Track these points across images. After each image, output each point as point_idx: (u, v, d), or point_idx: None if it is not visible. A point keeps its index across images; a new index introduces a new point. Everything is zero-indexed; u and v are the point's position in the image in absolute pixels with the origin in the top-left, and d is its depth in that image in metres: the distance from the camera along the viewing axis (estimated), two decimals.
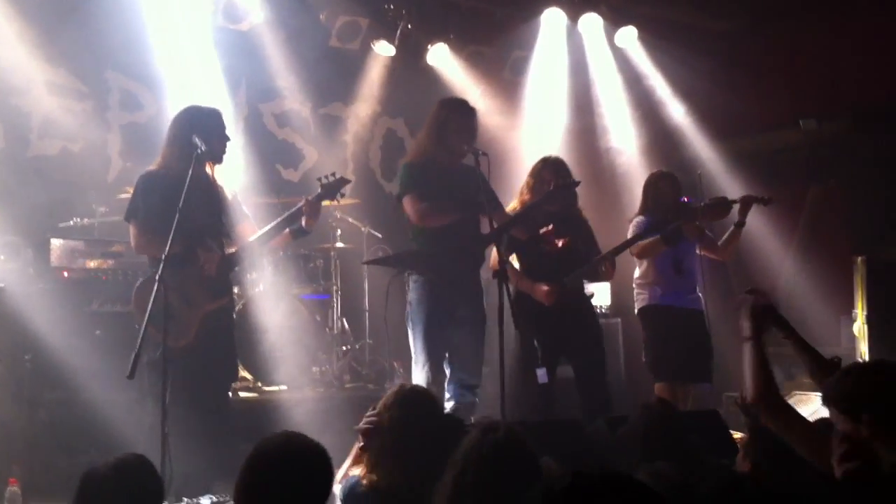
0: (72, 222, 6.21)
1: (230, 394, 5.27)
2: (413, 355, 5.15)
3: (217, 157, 4.78)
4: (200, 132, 4.59)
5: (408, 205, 5.14)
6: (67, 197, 6.59)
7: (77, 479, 2.81)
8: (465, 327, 5.13)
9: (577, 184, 5.36)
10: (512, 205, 5.55)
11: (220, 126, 4.81)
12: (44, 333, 5.15)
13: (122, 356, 4.23)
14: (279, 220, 4.81)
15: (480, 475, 2.68)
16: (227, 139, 4.82)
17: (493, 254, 5.35)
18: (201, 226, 4.61)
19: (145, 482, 2.85)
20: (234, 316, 5.88)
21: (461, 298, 5.14)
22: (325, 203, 7.09)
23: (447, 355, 5.14)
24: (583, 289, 5.75)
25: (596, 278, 5.90)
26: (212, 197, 4.75)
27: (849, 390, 2.49)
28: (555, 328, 5.37)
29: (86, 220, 6.32)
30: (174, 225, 4.19)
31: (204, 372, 4.55)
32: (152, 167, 4.79)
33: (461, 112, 5.24)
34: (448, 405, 5.06)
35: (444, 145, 5.15)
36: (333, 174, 4.98)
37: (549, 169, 5.58)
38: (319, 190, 4.89)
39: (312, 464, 2.56)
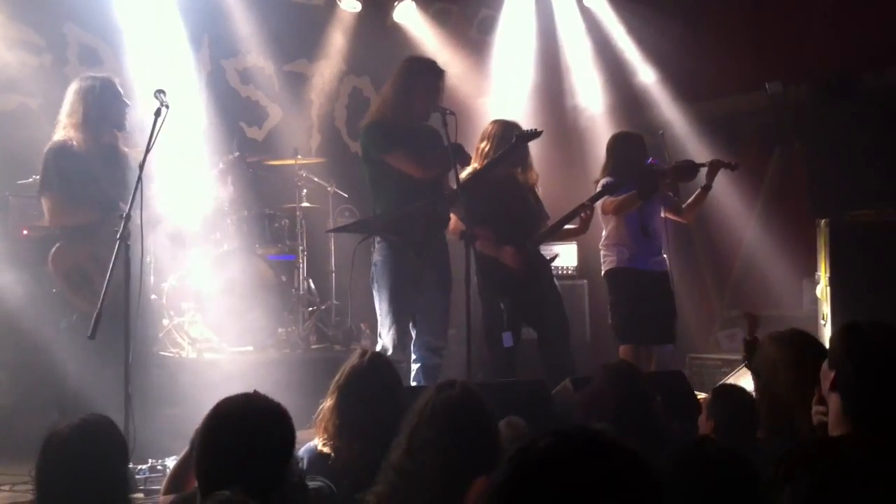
0: (31, 179, 6.07)
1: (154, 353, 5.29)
2: (378, 318, 5.12)
3: (119, 125, 4.87)
4: (98, 101, 4.75)
5: (399, 161, 5.02)
6: (26, 153, 6.43)
7: (40, 440, 2.76)
8: (431, 290, 5.11)
9: (540, 133, 5.22)
10: (468, 169, 5.52)
11: (117, 93, 4.88)
12: (5, 292, 5.06)
13: (81, 316, 4.20)
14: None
15: (435, 429, 2.70)
16: (127, 105, 4.89)
17: (452, 220, 5.36)
18: (112, 194, 4.66)
19: (110, 442, 2.82)
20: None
21: (426, 261, 5.10)
22: (289, 162, 7.11)
23: (414, 318, 5.12)
24: (540, 252, 5.75)
25: (564, 235, 5.91)
26: (120, 165, 4.81)
27: None
28: (518, 293, 5.36)
29: None
30: (137, 188, 4.15)
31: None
32: (56, 140, 4.82)
33: (428, 72, 5.18)
34: (414, 367, 5.07)
35: (410, 105, 5.09)
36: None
37: (501, 129, 5.53)
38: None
39: (272, 424, 2.52)
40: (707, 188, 5.99)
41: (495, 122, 5.63)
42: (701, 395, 4.56)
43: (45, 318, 4.78)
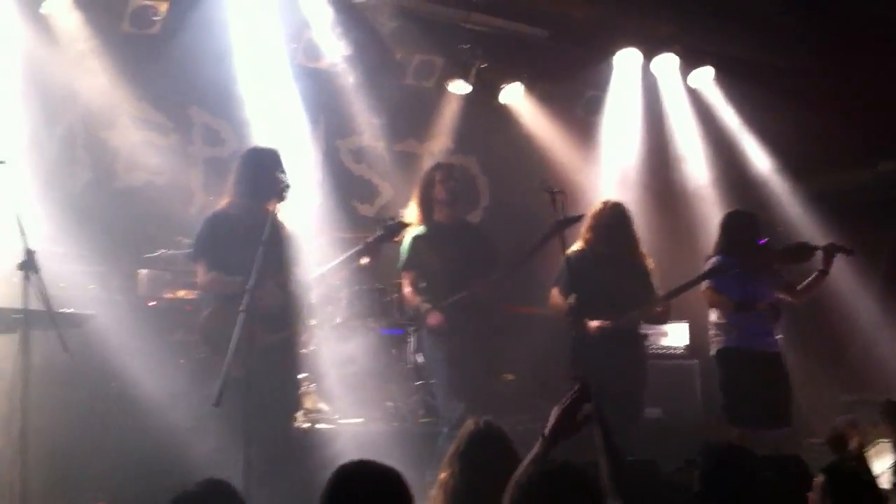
0: (157, 253, 6.37)
1: (294, 424, 5.38)
2: None
3: (280, 195, 4.87)
4: (263, 172, 4.80)
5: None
6: (152, 228, 6.77)
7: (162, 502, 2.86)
8: (470, 369, 5.40)
9: (580, 218, 5.56)
10: (576, 246, 5.64)
11: (280, 165, 4.95)
12: (130, 361, 5.27)
13: (205, 384, 4.34)
14: (340, 258, 4.97)
15: None
16: (287, 178, 4.92)
17: (552, 295, 5.59)
18: (265, 262, 4.62)
19: None
20: (309, 350, 6.02)
21: (463, 344, 5.41)
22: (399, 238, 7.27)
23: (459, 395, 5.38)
24: (637, 330, 5.74)
25: (651, 320, 5.91)
26: (274, 235, 4.86)
27: None
28: (601, 365, 5.33)
29: (170, 251, 6.48)
30: (258, 257, 4.28)
31: (261, 403, 4.53)
32: (218, 208, 4.99)
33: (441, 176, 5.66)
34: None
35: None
36: (393, 218, 5.26)
37: (610, 212, 5.73)
38: (380, 232, 5.01)
39: (390, 487, 2.60)
40: (824, 273, 5.88)
41: (603, 202, 5.84)
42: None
43: (169, 385, 4.96)
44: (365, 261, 4.95)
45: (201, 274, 4.91)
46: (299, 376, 5.61)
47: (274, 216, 4.79)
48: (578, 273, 5.40)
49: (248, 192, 4.88)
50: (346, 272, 5.15)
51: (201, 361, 4.88)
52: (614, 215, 5.74)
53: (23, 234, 4.17)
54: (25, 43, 6.39)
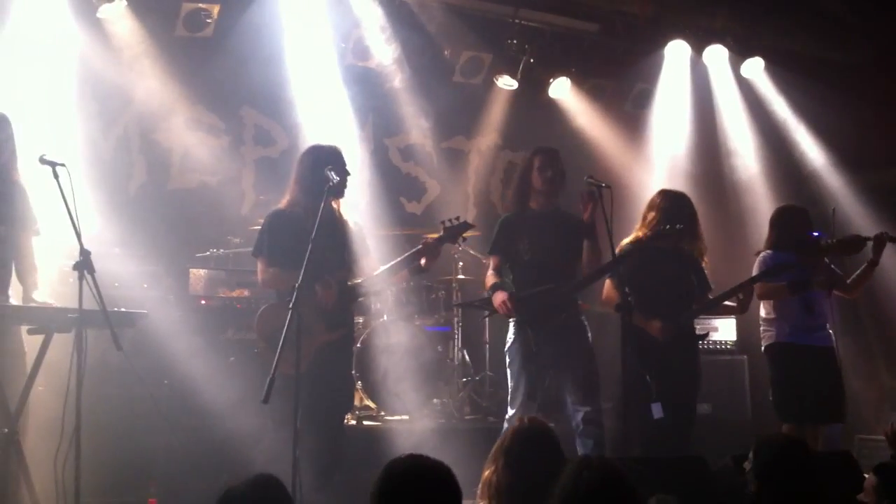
0: (208, 252, 6.49)
1: (346, 422, 5.36)
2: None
3: (340, 192, 4.94)
4: (322, 170, 4.77)
5: None
6: (204, 228, 6.90)
7: (212, 500, 2.93)
8: (553, 367, 5.20)
9: (681, 229, 5.31)
10: (630, 237, 5.54)
11: (342, 162, 4.98)
12: (182, 359, 5.38)
13: (255, 382, 4.42)
14: (400, 259, 4.95)
15: None
16: (348, 174, 4.99)
17: (606, 287, 5.43)
18: (325, 259, 4.72)
19: (279, 502, 2.96)
20: (355, 347, 6.07)
21: (544, 341, 5.16)
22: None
23: (565, 395, 5.21)
24: (694, 328, 5.67)
25: (722, 310, 5.82)
26: (336, 231, 4.91)
27: None
28: (663, 364, 5.28)
29: (221, 250, 6.60)
30: (307, 255, 4.34)
31: (318, 400, 4.63)
32: (280, 205, 5.02)
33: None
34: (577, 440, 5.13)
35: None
36: (458, 218, 5.08)
37: (669, 201, 5.55)
38: (442, 233, 4.99)
39: (440, 481, 2.63)
40: (874, 263, 5.77)
41: (662, 192, 5.65)
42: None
43: (218, 383, 5.05)
44: (423, 261, 4.93)
45: (261, 270, 4.94)
46: (353, 374, 5.61)
47: (332, 213, 4.89)
48: (635, 265, 5.30)
49: (307, 189, 4.89)
50: (405, 272, 5.08)
51: (258, 357, 4.91)
52: (678, 205, 5.53)
53: (78, 235, 4.27)
54: (82, 47, 6.57)
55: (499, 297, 5.21)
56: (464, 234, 5.09)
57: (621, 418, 4.82)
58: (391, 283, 5.63)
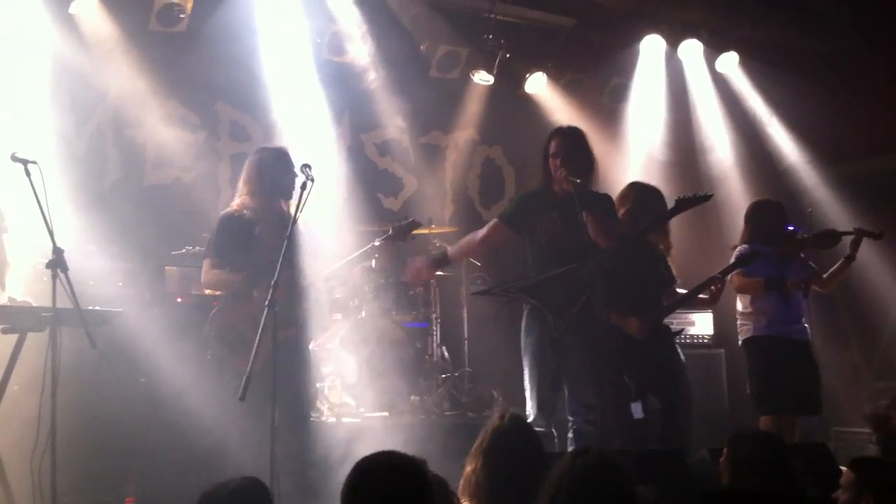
0: (184, 250, 6.44)
1: (303, 423, 5.28)
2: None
3: (287, 194, 4.99)
4: (269, 172, 4.92)
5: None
6: (180, 225, 6.85)
7: (195, 499, 2.91)
8: (573, 355, 4.95)
9: (709, 197, 5.18)
10: None
11: (289, 163, 5.02)
12: (158, 356, 5.35)
13: (219, 380, 4.43)
14: (349, 258, 4.97)
15: (574, 497, 2.71)
16: (296, 176, 4.92)
17: None
18: (272, 261, 4.68)
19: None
20: (332, 344, 6.05)
21: (565, 326, 4.95)
22: (424, 231, 7.27)
23: (560, 384, 5.03)
24: (667, 324, 5.66)
25: (695, 304, 5.83)
26: (284, 232, 4.88)
27: None
28: (640, 362, 5.26)
29: (197, 247, 6.54)
30: (282, 254, 4.33)
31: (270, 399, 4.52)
32: (229, 208, 5.06)
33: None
34: (570, 432, 5.00)
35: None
36: (406, 217, 5.10)
37: (648, 194, 5.54)
38: (390, 232, 5.00)
39: (410, 478, 2.63)
40: (850, 258, 5.83)
41: (632, 185, 5.64)
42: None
43: (199, 380, 5.02)
44: (374, 261, 4.95)
45: (205, 271, 5.03)
46: (309, 373, 5.52)
47: (282, 214, 4.96)
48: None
49: (256, 191, 4.98)
50: (360, 270, 5.08)
51: (214, 358, 4.94)
52: (649, 199, 5.51)
53: (51, 233, 4.23)
54: (55, 43, 6.49)
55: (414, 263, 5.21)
56: (412, 232, 5.09)
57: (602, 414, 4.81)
58: (344, 282, 5.64)
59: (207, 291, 5.84)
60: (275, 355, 4.28)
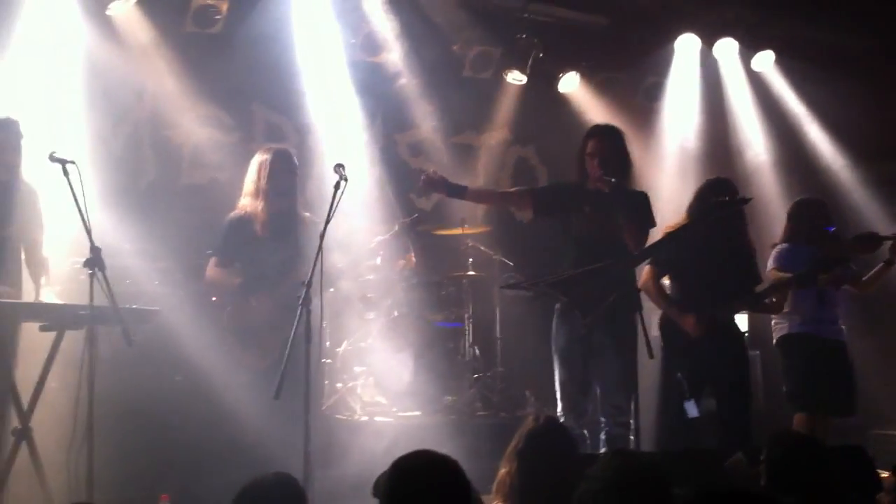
0: None
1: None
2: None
3: (287, 194, 5.12)
4: (268, 172, 5.03)
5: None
6: (215, 225, 6.89)
7: (229, 496, 2.92)
8: (604, 354, 4.87)
9: (748, 200, 5.15)
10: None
11: (290, 164, 5.13)
12: (194, 355, 5.39)
13: (266, 377, 4.44)
14: (351, 257, 5.04)
15: (609, 501, 2.70)
16: (294, 175, 5.14)
17: (644, 274, 5.32)
18: (274, 261, 4.93)
19: (295, 500, 2.96)
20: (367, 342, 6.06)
21: (596, 324, 4.78)
22: (456, 231, 7.26)
23: (590, 384, 4.94)
24: (733, 319, 5.54)
25: (757, 309, 5.75)
26: (288, 232, 5.06)
27: None
28: (700, 358, 5.20)
29: None
30: (318, 252, 4.35)
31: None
32: (236, 209, 5.17)
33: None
34: (602, 434, 4.95)
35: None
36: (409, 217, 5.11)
37: (714, 188, 5.44)
38: (396, 228, 5.02)
39: (449, 476, 2.63)
40: (890, 263, 5.72)
41: (708, 180, 5.56)
42: (884, 474, 4.32)
43: (230, 379, 5.06)
44: (377, 260, 4.98)
45: (208, 268, 5.16)
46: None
47: (286, 214, 5.05)
48: (678, 255, 5.17)
49: (257, 192, 5.07)
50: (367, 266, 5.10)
51: (228, 355, 5.02)
52: (721, 191, 5.33)
53: (89, 231, 4.28)
54: (92, 44, 6.57)
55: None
56: (419, 227, 5.10)
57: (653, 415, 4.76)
58: (351, 279, 5.69)
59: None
60: (292, 351, 4.28)
